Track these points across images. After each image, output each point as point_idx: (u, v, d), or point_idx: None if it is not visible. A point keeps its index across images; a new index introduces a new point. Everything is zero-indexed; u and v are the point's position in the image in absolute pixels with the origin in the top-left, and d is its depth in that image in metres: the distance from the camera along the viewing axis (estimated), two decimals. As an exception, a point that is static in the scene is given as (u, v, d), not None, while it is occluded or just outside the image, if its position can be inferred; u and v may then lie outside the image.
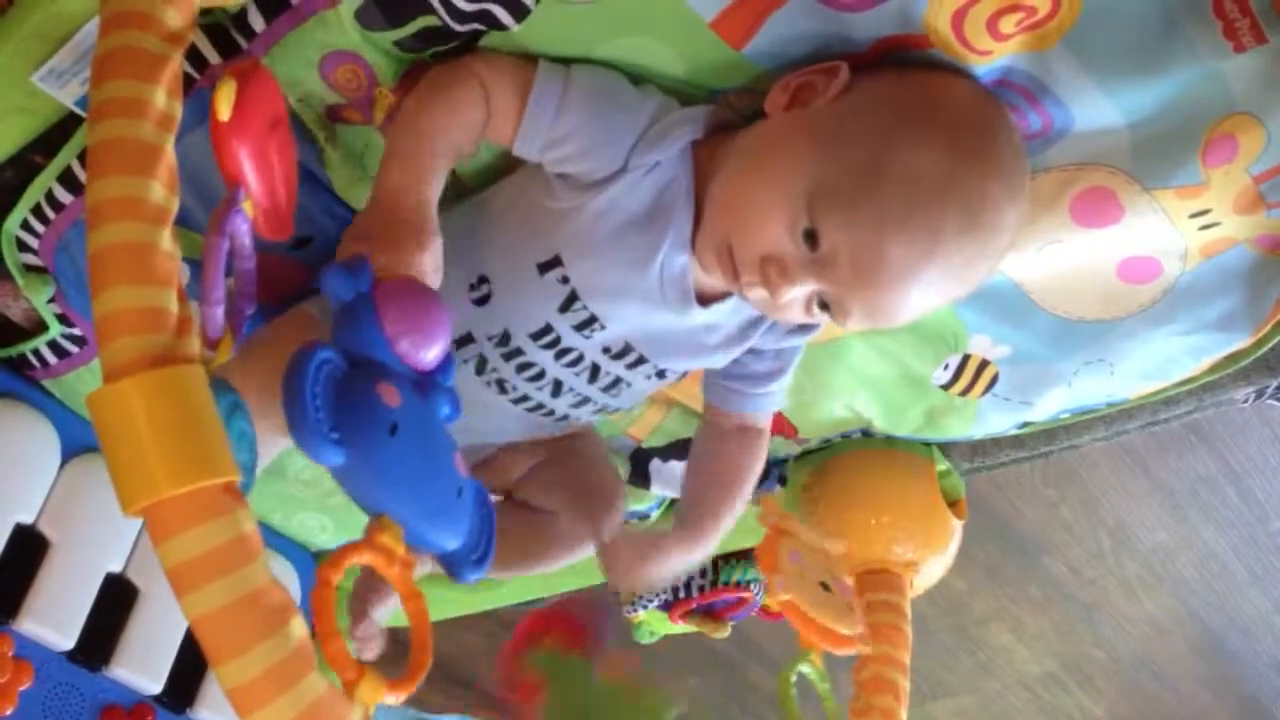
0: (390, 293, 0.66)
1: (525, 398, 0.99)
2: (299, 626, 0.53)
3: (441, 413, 0.67)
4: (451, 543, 0.65)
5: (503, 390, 0.98)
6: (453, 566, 0.66)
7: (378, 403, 0.61)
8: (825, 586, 0.94)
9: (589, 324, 0.92)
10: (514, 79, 0.86)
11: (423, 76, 0.87)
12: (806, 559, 0.95)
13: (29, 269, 1.04)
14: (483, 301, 0.93)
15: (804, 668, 0.96)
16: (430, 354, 0.67)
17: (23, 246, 1.01)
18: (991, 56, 0.80)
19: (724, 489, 1.03)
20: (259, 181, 0.65)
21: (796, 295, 0.83)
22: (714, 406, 1.07)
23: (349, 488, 0.60)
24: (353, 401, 0.59)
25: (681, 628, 1.51)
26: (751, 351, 1.01)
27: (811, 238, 0.80)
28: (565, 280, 0.90)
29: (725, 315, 0.94)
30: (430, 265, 0.79)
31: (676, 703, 0.93)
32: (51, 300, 1.07)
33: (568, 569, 1.43)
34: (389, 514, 0.60)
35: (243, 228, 0.65)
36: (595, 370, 0.97)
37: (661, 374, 1.00)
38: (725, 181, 0.86)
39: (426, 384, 0.67)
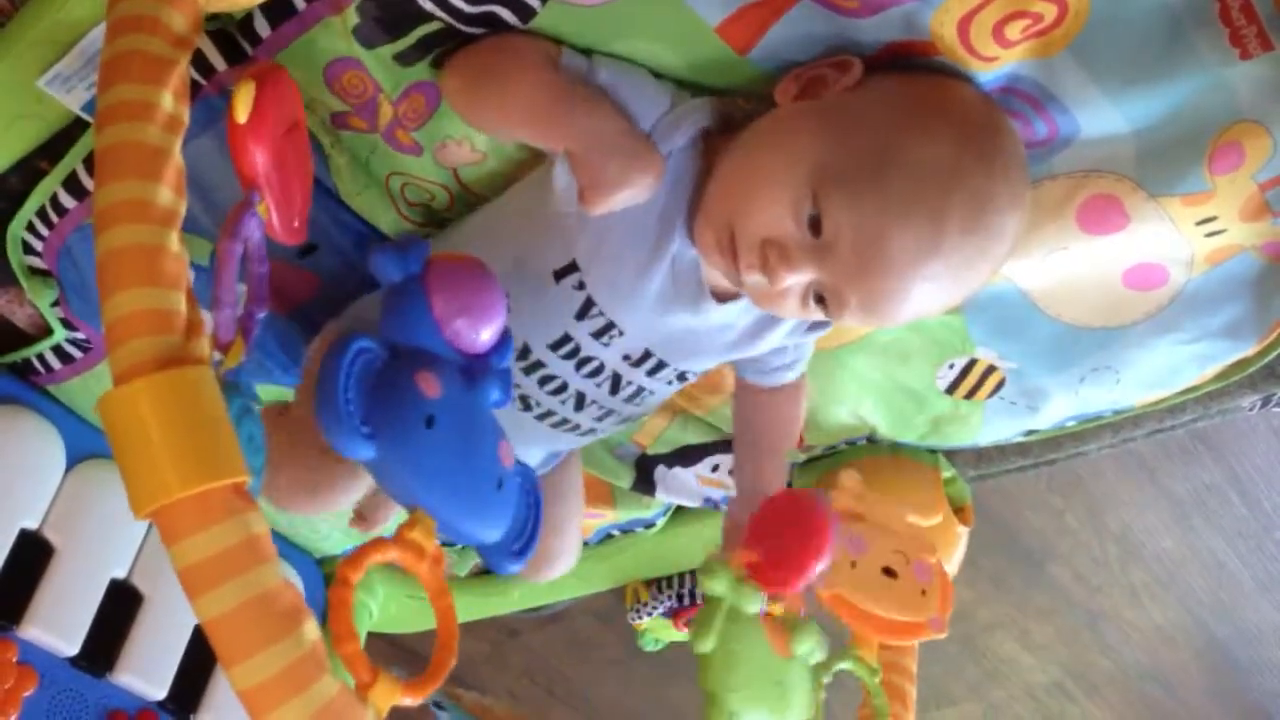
0: (441, 273, 0.64)
1: (550, 413, 0.99)
2: (312, 628, 0.53)
3: (490, 398, 0.66)
4: (490, 536, 0.64)
5: (527, 407, 0.98)
6: (491, 558, 0.65)
7: (414, 394, 0.59)
8: (890, 573, 0.91)
9: (607, 330, 0.93)
10: (544, 52, 0.86)
11: (455, 64, 0.87)
12: (873, 544, 0.92)
13: (33, 272, 1.04)
14: None
15: (845, 664, 0.94)
16: (483, 336, 0.65)
17: (27, 249, 1.01)
18: (997, 63, 0.81)
19: (772, 442, 1.08)
20: (275, 184, 0.65)
21: (795, 283, 0.83)
22: (745, 383, 1.10)
23: (382, 482, 0.59)
24: (387, 393, 0.58)
25: (686, 634, 1.51)
26: (774, 351, 1.02)
27: (815, 224, 0.80)
28: (581, 286, 0.90)
29: (739, 312, 0.94)
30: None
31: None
32: (55, 304, 1.07)
33: (575, 575, 1.44)
34: (422, 508, 0.59)
35: (256, 232, 0.65)
36: (617, 381, 0.97)
37: (683, 376, 1.00)
38: (730, 163, 0.86)
39: (477, 368, 0.65)
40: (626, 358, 0.95)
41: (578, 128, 0.84)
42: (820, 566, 0.84)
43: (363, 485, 1.01)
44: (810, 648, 0.88)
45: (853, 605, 0.89)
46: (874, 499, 0.96)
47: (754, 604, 0.84)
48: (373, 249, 0.65)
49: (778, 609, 0.90)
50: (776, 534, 0.86)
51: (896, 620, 0.90)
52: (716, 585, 0.83)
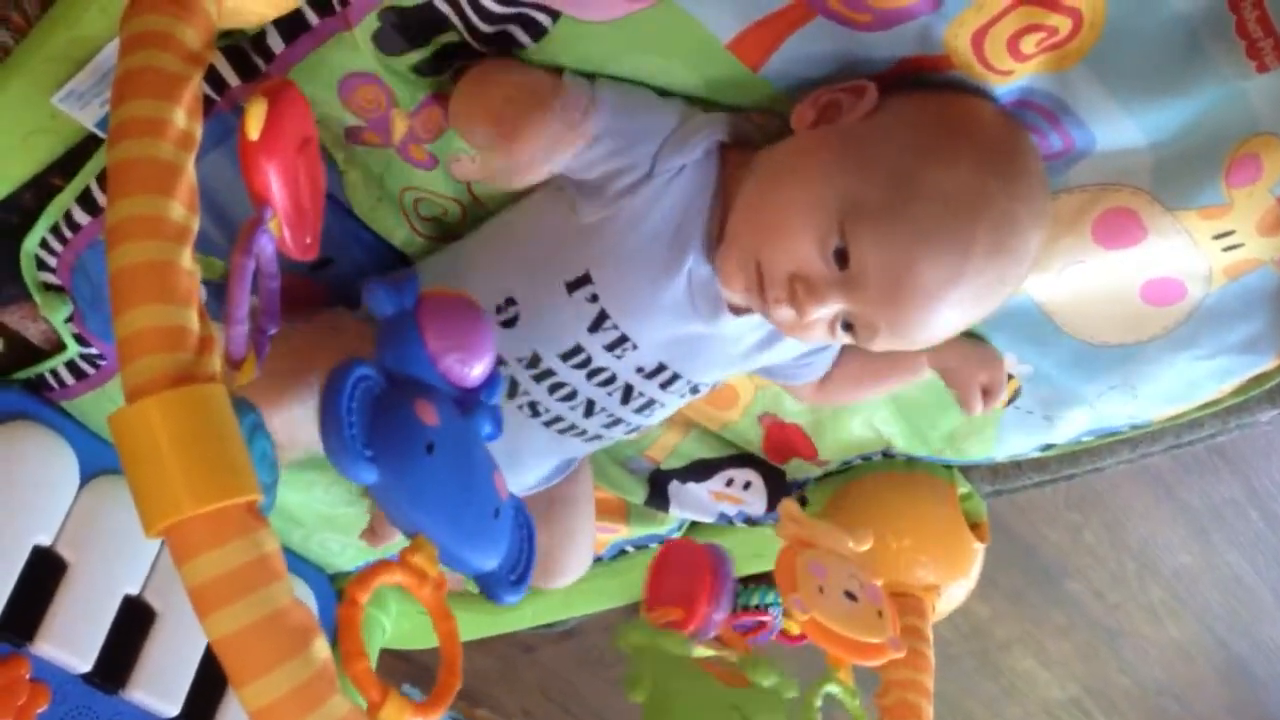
0: (434, 309, 0.65)
1: (558, 419, 0.99)
2: (322, 647, 0.52)
3: (483, 431, 0.67)
4: (488, 564, 0.65)
5: (535, 413, 0.98)
6: (489, 587, 0.65)
7: (414, 421, 0.60)
8: (851, 596, 0.93)
9: (620, 344, 0.92)
10: (545, 77, 0.86)
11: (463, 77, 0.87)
12: (830, 568, 0.93)
13: (47, 287, 1.04)
14: (510, 324, 0.92)
15: (831, 688, 0.95)
16: (474, 371, 0.66)
17: (41, 265, 1.01)
18: (1012, 76, 0.80)
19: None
20: (287, 201, 0.65)
21: (823, 315, 0.83)
22: (795, 386, 1.11)
23: (384, 507, 0.60)
24: (389, 419, 0.59)
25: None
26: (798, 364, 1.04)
27: (842, 257, 0.80)
28: (594, 298, 0.90)
29: (755, 324, 0.94)
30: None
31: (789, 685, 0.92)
32: (69, 320, 1.07)
33: (588, 591, 1.44)
34: (423, 534, 0.59)
35: (269, 248, 0.65)
36: (629, 391, 0.97)
37: (695, 389, 1.00)
38: (752, 197, 0.85)
39: (469, 402, 0.66)
40: (640, 370, 0.95)
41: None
42: (711, 607, 0.87)
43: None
44: (774, 680, 0.89)
45: (826, 629, 0.90)
46: (816, 525, 0.98)
47: (679, 645, 0.86)
48: (365, 282, 0.65)
49: (795, 625, 0.91)
50: (671, 586, 0.89)
51: (862, 642, 0.91)
52: (635, 638, 0.86)
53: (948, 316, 0.82)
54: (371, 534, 1.13)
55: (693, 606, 0.89)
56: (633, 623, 0.89)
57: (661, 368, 0.95)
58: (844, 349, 1.07)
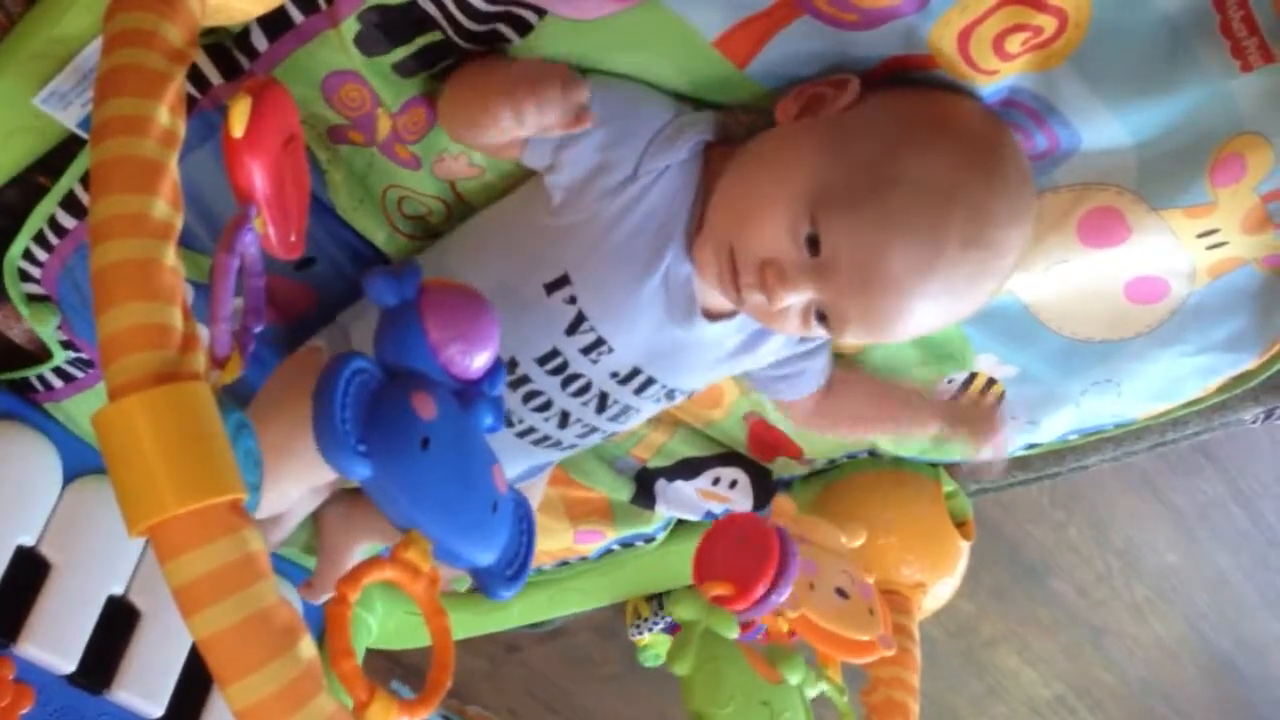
0: (437, 299, 0.65)
1: (531, 430, 0.99)
2: (308, 646, 0.52)
3: (483, 423, 0.66)
4: (484, 559, 0.64)
5: (509, 423, 0.98)
6: (485, 582, 0.65)
7: (410, 414, 0.59)
8: (842, 593, 0.92)
9: (596, 347, 0.92)
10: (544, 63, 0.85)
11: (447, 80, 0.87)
12: (822, 565, 0.93)
13: (32, 299, 1.03)
14: None
15: (821, 686, 0.94)
16: (476, 362, 0.66)
17: (25, 277, 1.00)
18: (997, 76, 0.80)
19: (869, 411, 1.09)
20: (271, 198, 0.65)
21: (794, 303, 0.83)
22: (789, 404, 1.10)
23: (377, 501, 0.59)
24: (383, 413, 0.58)
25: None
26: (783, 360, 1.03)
27: (813, 243, 0.80)
28: (573, 300, 0.90)
29: (730, 331, 0.94)
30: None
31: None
32: (58, 328, 1.06)
33: (575, 590, 1.43)
34: (418, 529, 0.59)
35: (253, 246, 0.65)
36: (604, 399, 0.96)
37: (671, 394, 1.00)
38: (729, 183, 0.86)
39: (470, 394, 0.66)
40: (614, 375, 0.95)
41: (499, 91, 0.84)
42: (768, 588, 0.85)
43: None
44: (801, 677, 0.88)
45: (817, 626, 0.90)
46: (809, 521, 0.97)
47: (728, 627, 0.84)
48: (366, 273, 0.65)
49: (783, 623, 0.90)
50: (727, 560, 0.87)
51: (852, 639, 0.91)
52: (687, 610, 0.84)
53: (922, 309, 0.82)
54: (309, 589, 1.13)
55: (750, 585, 0.86)
56: (687, 593, 0.86)
57: (636, 372, 0.95)
58: (839, 374, 1.07)
